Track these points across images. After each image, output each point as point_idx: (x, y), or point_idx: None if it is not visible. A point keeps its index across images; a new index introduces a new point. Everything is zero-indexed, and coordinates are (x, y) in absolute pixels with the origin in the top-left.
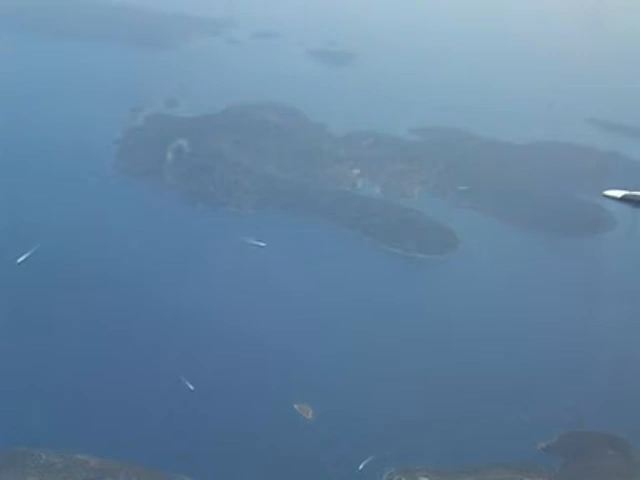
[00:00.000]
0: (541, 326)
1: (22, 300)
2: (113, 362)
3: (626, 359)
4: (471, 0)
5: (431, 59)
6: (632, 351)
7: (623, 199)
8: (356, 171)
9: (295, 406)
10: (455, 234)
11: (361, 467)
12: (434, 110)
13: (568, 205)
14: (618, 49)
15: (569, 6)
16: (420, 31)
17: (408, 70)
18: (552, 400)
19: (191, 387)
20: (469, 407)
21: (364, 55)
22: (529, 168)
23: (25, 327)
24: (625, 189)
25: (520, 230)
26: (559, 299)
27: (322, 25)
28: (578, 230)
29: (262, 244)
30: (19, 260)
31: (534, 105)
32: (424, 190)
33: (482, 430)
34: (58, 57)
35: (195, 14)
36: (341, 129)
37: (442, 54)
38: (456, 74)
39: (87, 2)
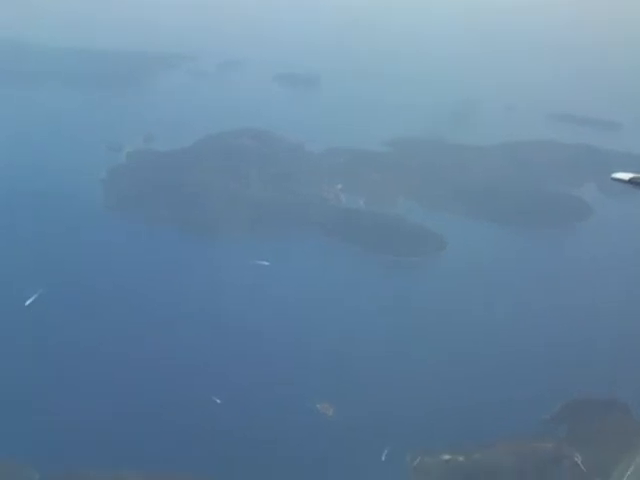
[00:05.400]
0: (532, 312)
1: (43, 335)
2: (140, 385)
3: (612, 332)
4: (422, 17)
5: (390, 76)
6: (617, 325)
7: (631, 181)
8: (339, 186)
9: (317, 405)
10: (441, 236)
11: (384, 458)
12: (401, 123)
13: (544, 198)
14: (574, 43)
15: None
16: (378, 51)
17: (371, 88)
18: (549, 376)
19: (218, 401)
20: (474, 393)
21: (328, 76)
22: (501, 167)
23: (53, 360)
24: (634, 172)
25: (501, 226)
26: (546, 286)
27: (282, 51)
28: (557, 221)
29: (266, 263)
30: (27, 303)
31: (495, 107)
32: (405, 198)
33: (489, 411)
34: (25, 104)
35: (152, 50)
36: (317, 147)
37: (399, 71)
38: (416, 88)
39: (45, 48)
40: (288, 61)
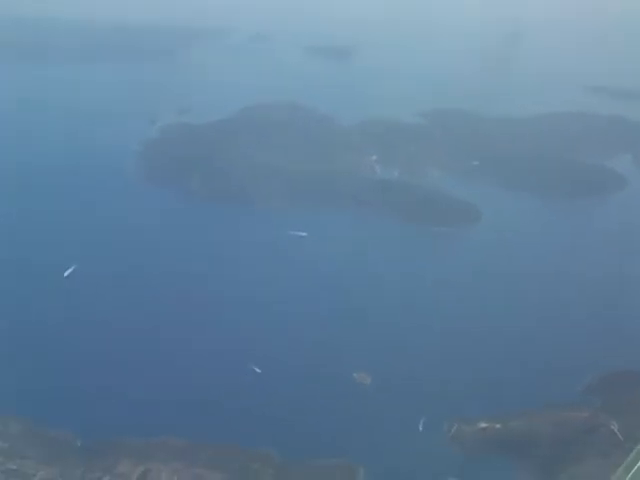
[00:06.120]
0: (567, 281)
1: (82, 309)
2: (177, 357)
3: None
4: None
5: (423, 47)
6: None
7: None
8: (373, 157)
9: (354, 375)
10: (476, 206)
11: (421, 427)
12: (434, 94)
13: (578, 169)
14: (609, 15)
15: None
16: (410, 23)
17: (403, 59)
18: (584, 347)
19: (258, 370)
20: (509, 361)
21: (359, 48)
22: (534, 139)
23: (93, 332)
24: None
25: (535, 197)
26: (580, 257)
27: (312, 23)
28: (591, 192)
29: (303, 234)
30: (66, 274)
31: (530, 80)
32: (439, 169)
33: (524, 380)
34: (60, 79)
35: (184, 25)
36: (351, 119)
37: (432, 42)
38: (449, 59)
39: (81, 24)
40: (318, 34)
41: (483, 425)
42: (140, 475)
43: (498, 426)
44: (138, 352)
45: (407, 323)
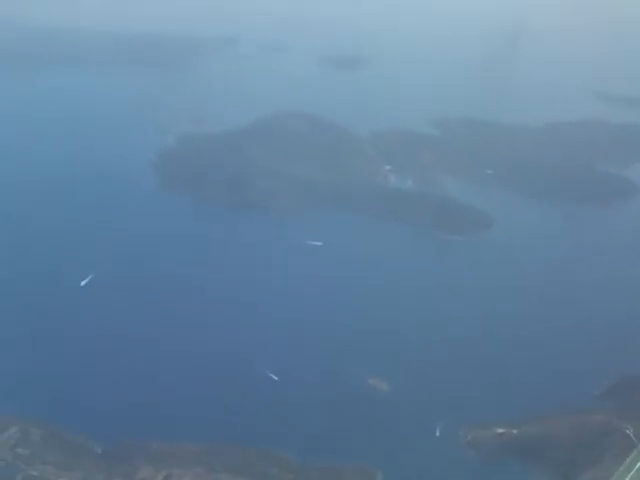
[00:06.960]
0: (581, 287)
1: (99, 317)
2: (195, 363)
3: None
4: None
5: (433, 56)
6: None
7: None
8: (387, 167)
9: (370, 380)
10: (489, 214)
11: (438, 433)
12: (445, 103)
13: (591, 177)
14: (617, 20)
15: None
16: (420, 32)
17: (414, 68)
18: (598, 352)
19: (275, 378)
20: (525, 366)
21: (370, 58)
22: (547, 147)
23: (110, 338)
24: None
25: (548, 205)
26: (595, 262)
27: (323, 34)
28: (605, 200)
29: (319, 243)
30: (82, 283)
31: (540, 87)
32: (452, 177)
33: (539, 385)
34: (74, 88)
35: (195, 34)
36: (364, 129)
37: (442, 50)
38: (459, 67)
39: (95, 32)
40: (329, 44)
41: (499, 430)
42: None
43: (514, 431)
44: (156, 358)
45: (421, 329)
